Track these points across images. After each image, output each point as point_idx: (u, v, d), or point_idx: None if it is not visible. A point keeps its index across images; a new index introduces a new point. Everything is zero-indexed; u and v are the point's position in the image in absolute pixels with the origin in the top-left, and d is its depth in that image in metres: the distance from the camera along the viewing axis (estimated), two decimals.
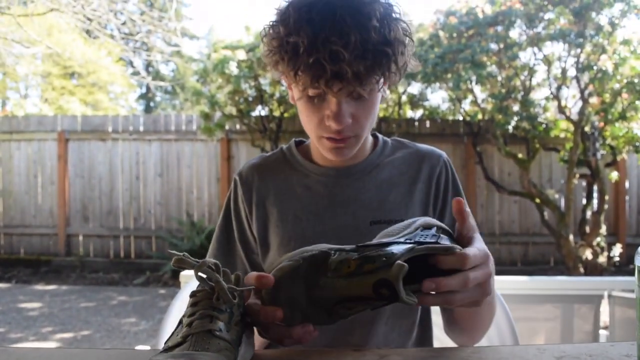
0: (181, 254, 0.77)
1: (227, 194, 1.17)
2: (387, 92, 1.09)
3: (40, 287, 6.28)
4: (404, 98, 7.10)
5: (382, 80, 0.93)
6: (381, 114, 6.96)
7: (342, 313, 0.73)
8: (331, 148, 1.01)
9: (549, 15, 5.67)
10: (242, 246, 1.13)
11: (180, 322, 0.79)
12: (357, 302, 0.71)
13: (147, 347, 1.34)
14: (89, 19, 6.26)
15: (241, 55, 6.23)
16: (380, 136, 1.19)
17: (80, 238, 7.47)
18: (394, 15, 0.92)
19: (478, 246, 0.77)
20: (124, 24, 6.75)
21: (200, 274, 0.76)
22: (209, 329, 0.71)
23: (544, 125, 6.06)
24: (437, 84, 6.41)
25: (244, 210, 1.13)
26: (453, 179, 1.14)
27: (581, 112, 5.66)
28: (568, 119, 5.81)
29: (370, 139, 1.16)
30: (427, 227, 0.80)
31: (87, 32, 6.91)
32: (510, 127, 5.83)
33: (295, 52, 0.89)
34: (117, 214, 7.45)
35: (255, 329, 0.82)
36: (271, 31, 0.94)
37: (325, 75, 0.88)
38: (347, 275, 0.72)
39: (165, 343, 0.75)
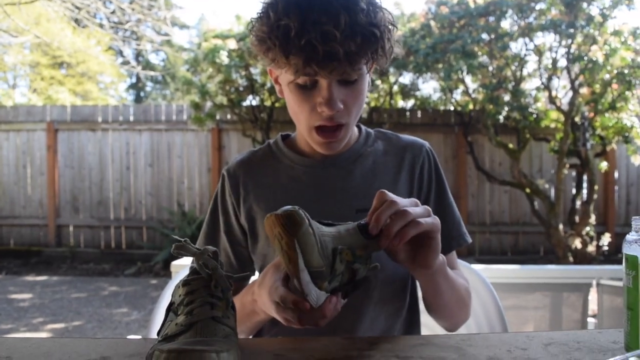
0: (182, 239, 0.77)
1: (216, 189, 1.19)
2: (371, 80, 1.09)
3: (30, 278, 6.25)
4: (396, 88, 7.10)
5: (369, 63, 0.95)
6: (372, 104, 6.96)
7: (338, 267, 0.77)
8: (322, 143, 1.03)
9: (540, 6, 5.67)
10: (227, 238, 1.15)
11: (170, 310, 0.78)
12: (346, 251, 0.78)
13: (139, 337, 1.34)
14: (77, 8, 6.18)
15: (232, 44, 6.19)
16: (363, 127, 1.20)
17: (71, 229, 7.43)
18: (377, 2, 0.95)
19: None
20: (113, 12, 6.67)
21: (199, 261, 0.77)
22: (212, 315, 0.71)
23: (534, 116, 6.09)
24: (429, 74, 6.41)
25: (232, 204, 1.15)
26: (436, 169, 1.16)
27: (571, 103, 5.68)
28: (558, 109, 5.83)
29: (355, 129, 1.17)
30: None
31: (76, 21, 6.83)
32: (501, 117, 5.85)
33: (286, 36, 0.90)
34: (108, 205, 7.41)
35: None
36: (260, 18, 0.95)
37: (317, 56, 0.89)
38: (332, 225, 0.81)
39: (160, 332, 0.75)
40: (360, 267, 0.79)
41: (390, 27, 0.96)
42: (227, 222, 1.16)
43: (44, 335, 4.08)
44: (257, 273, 1.19)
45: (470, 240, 1.15)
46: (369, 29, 0.90)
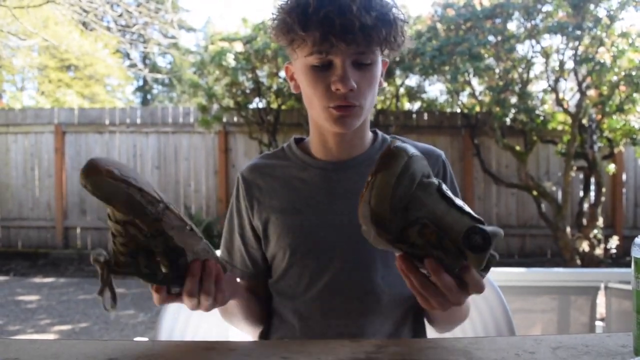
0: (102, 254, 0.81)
1: (233, 191, 1.22)
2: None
3: (38, 279, 6.28)
4: (402, 90, 7.09)
5: (382, 47, 0.99)
6: (379, 107, 6.96)
7: (411, 234, 0.71)
8: (338, 117, 1.02)
9: (547, 8, 5.66)
10: (240, 240, 1.18)
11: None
12: (432, 231, 0.71)
13: (146, 339, 1.35)
14: (85, 11, 6.21)
15: (238, 47, 6.21)
16: (379, 132, 1.20)
17: (78, 231, 7.47)
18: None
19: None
20: (120, 15, 6.69)
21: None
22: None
23: (541, 118, 6.06)
24: (435, 77, 6.40)
25: (245, 207, 1.17)
26: (450, 179, 1.16)
27: (579, 105, 5.66)
28: (566, 111, 5.81)
29: (370, 134, 1.18)
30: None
31: (84, 24, 6.86)
32: (507, 120, 5.83)
33: (305, 11, 0.95)
34: None
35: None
36: (280, 5, 1.00)
37: (334, 29, 0.93)
38: (448, 202, 0.72)
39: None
40: (445, 257, 0.72)
41: (401, 22, 1.00)
42: (240, 225, 1.18)
43: (51, 336, 4.10)
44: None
45: None
46: (383, 11, 0.96)
